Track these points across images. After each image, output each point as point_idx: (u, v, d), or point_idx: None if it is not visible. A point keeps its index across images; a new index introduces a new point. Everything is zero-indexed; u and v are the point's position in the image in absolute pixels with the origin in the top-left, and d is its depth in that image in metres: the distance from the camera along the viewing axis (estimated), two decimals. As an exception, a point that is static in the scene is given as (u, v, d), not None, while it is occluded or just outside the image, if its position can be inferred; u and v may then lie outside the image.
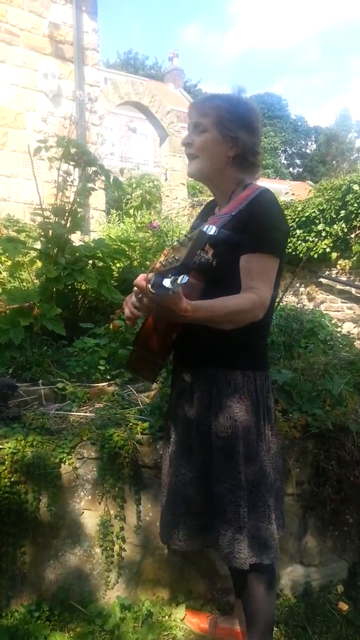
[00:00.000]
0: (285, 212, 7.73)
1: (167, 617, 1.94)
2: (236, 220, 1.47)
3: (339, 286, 7.37)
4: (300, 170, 44.54)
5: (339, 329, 3.84)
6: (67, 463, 1.85)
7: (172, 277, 1.15)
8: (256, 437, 1.49)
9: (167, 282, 1.15)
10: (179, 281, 1.15)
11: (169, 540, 1.58)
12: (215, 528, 1.48)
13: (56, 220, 2.99)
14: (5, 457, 1.77)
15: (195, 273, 1.49)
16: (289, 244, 7.56)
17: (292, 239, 7.57)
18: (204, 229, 1.21)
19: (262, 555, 1.48)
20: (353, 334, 4.54)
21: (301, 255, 7.34)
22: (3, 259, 3.47)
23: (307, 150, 47.02)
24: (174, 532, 1.56)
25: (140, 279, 1.27)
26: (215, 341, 1.44)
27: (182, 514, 1.54)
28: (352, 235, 6.98)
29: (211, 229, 1.23)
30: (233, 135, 1.48)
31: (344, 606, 2.13)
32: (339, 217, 7.04)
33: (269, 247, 1.43)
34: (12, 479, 1.77)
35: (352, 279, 7.22)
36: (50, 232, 2.95)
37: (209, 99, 1.54)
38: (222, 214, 1.53)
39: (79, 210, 3.10)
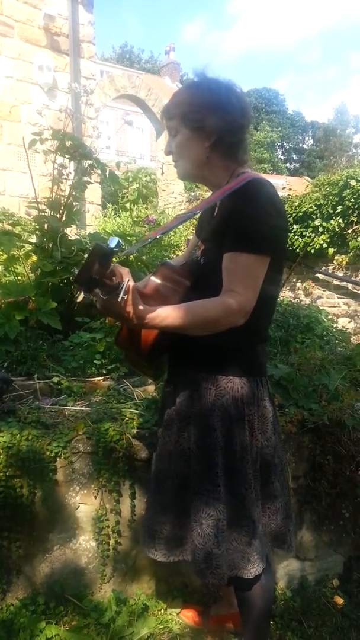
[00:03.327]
0: (282, 207, 7.72)
1: (162, 611, 1.95)
2: (221, 214, 1.38)
3: (335, 282, 7.38)
4: (298, 165, 44.53)
5: (335, 325, 3.84)
6: (62, 457, 1.84)
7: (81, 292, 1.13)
8: (240, 448, 1.38)
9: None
10: (77, 300, 1.12)
11: (146, 548, 1.53)
12: (192, 541, 1.41)
13: (51, 213, 2.97)
14: (1, 451, 1.76)
15: (184, 271, 1.44)
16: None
17: (289, 234, 7.57)
18: (106, 243, 1.12)
19: (243, 569, 1.40)
20: (349, 329, 4.55)
21: (298, 250, 7.34)
22: (-2, 252, 3.44)
23: (304, 146, 46.98)
24: (151, 541, 1.50)
25: None
26: (198, 343, 1.32)
27: (160, 523, 1.48)
28: (349, 231, 6.98)
29: (113, 242, 1.11)
30: (200, 125, 1.35)
31: (339, 600, 2.14)
32: (335, 213, 7.04)
33: (253, 245, 1.28)
34: (7, 473, 1.76)
35: (348, 274, 7.23)
36: (46, 225, 2.93)
37: (171, 98, 1.43)
38: (187, 212, 1.43)
39: (74, 204, 3.08)
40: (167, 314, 1.24)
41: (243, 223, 1.30)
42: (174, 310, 1.25)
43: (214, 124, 1.35)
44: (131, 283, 1.17)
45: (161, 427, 1.54)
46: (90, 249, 1.10)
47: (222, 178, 1.42)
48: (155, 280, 1.39)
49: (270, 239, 1.32)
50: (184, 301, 1.31)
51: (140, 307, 1.21)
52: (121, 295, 1.13)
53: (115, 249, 1.10)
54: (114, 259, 1.13)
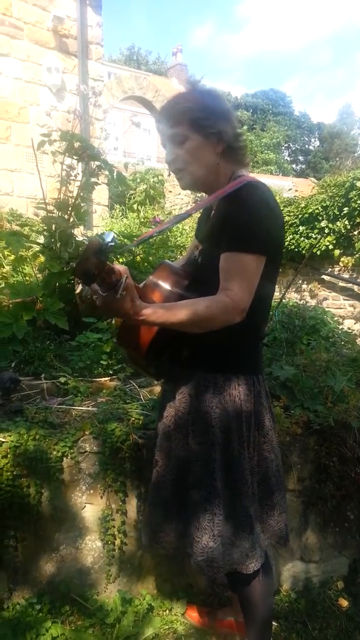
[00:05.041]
0: (289, 209, 7.72)
1: (167, 611, 1.95)
2: (217, 215, 1.42)
3: (341, 283, 7.37)
4: (304, 166, 44.39)
5: (340, 326, 3.84)
6: (69, 457, 1.85)
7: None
8: (238, 444, 1.41)
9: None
10: (76, 292, 1.17)
11: (147, 542, 1.56)
12: (190, 534, 1.44)
13: (59, 214, 2.98)
14: (8, 450, 1.77)
15: (183, 271, 1.48)
16: (292, 241, 7.55)
17: (295, 235, 7.57)
18: (102, 237, 1.14)
19: (241, 564, 1.43)
20: (355, 331, 4.54)
21: (304, 252, 7.33)
22: (6, 253, 3.47)
23: (311, 147, 46.85)
24: (152, 535, 1.53)
25: None
26: (196, 341, 1.36)
27: (161, 516, 1.51)
28: (355, 233, 6.97)
29: (108, 236, 1.13)
30: (215, 131, 1.38)
31: (344, 602, 2.14)
32: (342, 214, 7.03)
33: (248, 245, 1.31)
34: (14, 473, 1.78)
35: (354, 276, 7.21)
36: (54, 226, 2.94)
37: (172, 105, 1.42)
38: (184, 212, 1.47)
39: (82, 204, 3.09)
40: (164, 311, 1.28)
41: (238, 224, 1.33)
42: (172, 308, 1.29)
43: (224, 131, 1.39)
44: (130, 280, 1.21)
45: (161, 424, 1.57)
46: (87, 243, 1.12)
47: (224, 183, 1.44)
48: (154, 279, 1.44)
49: (265, 239, 1.35)
50: (182, 300, 1.35)
51: (139, 304, 1.24)
52: (120, 291, 1.17)
53: (110, 243, 1.13)
54: (120, 259, 1.17)
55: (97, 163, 3.03)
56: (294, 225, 7.59)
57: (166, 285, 1.42)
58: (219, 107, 1.41)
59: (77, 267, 1.13)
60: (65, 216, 2.99)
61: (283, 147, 43.54)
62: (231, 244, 1.32)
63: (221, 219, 1.39)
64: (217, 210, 1.46)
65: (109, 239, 1.13)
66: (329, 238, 7.21)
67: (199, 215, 1.69)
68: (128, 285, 1.19)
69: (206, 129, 1.38)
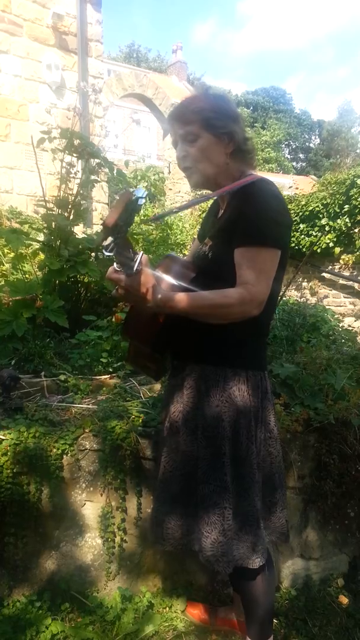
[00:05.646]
0: (289, 206, 7.70)
1: (167, 609, 1.95)
2: (229, 212, 1.44)
3: (341, 281, 7.36)
4: (304, 164, 44.29)
5: (341, 324, 3.84)
6: (69, 454, 1.85)
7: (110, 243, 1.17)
8: (246, 439, 1.43)
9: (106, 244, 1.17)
10: (107, 252, 1.16)
11: (155, 539, 1.56)
12: (198, 530, 1.44)
13: (59, 212, 2.98)
14: (8, 448, 1.77)
15: (190, 264, 1.50)
16: (293, 239, 7.54)
17: (295, 233, 7.56)
18: (132, 190, 1.14)
19: (248, 559, 1.44)
20: (355, 328, 4.54)
21: (304, 249, 7.32)
22: (6, 250, 3.47)
23: (311, 145, 46.74)
24: (158, 532, 1.53)
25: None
26: (205, 336, 1.40)
27: (167, 513, 1.51)
28: (356, 230, 6.96)
29: (139, 192, 1.14)
30: (226, 132, 1.42)
31: (344, 599, 2.14)
32: (342, 212, 7.02)
33: (264, 240, 1.35)
34: (14, 470, 1.78)
35: (355, 274, 7.21)
36: (53, 224, 2.94)
37: (185, 105, 1.47)
38: (202, 196, 1.51)
39: (82, 202, 3.09)
40: (182, 298, 1.31)
41: (254, 219, 1.36)
42: (190, 296, 1.32)
43: (235, 132, 1.43)
44: (145, 257, 1.22)
45: (167, 419, 1.57)
46: (120, 194, 1.13)
47: (232, 182, 1.46)
48: (159, 272, 1.44)
49: (279, 234, 1.39)
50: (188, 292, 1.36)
51: (157, 288, 1.26)
52: (136, 266, 1.18)
53: (141, 200, 1.14)
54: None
55: (97, 160, 3.03)
56: (295, 223, 7.58)
57: (171, 278, 1.42)
58: (230, 110, 1.45)
59: (108, 217, 1.13)
60: (65, 214, 2.99)
61: (283, 145, 43.40)
62: (246, 238, 1.35)
63: (234, 214, 1.41)
64: (228, 206, 1.49)
65: (140, 194, 1.13)
66: (329, 236, 7.21)
67: (203, 215, 1.70)
68: (145, 270, 1.20)
69: (218, 129, 1.41)
